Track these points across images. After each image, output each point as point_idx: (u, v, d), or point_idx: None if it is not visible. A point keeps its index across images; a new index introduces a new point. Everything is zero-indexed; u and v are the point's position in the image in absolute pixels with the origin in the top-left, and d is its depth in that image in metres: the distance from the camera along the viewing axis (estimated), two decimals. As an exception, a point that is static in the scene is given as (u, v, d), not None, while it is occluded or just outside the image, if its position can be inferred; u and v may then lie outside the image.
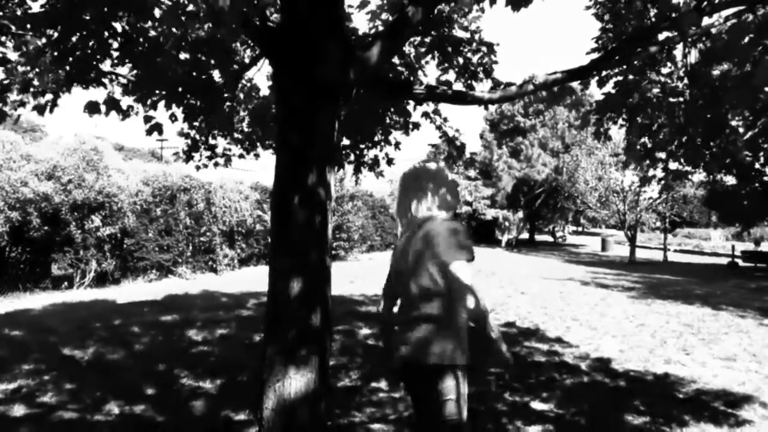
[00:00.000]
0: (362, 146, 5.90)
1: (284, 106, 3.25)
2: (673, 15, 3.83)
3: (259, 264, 17.33)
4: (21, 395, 4.85)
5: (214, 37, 3.93)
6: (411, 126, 5.95)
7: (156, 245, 13.78)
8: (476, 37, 5.27)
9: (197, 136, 5.55)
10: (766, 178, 21.58)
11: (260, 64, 5.04)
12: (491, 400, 4.91)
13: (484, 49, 5.27)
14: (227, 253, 16.07)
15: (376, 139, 5.89)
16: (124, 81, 4.32)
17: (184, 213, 14.59)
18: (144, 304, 9.59)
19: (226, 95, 4.90)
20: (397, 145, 6.08)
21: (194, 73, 4.21)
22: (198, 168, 5.91)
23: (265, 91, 5.83)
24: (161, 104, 4.50)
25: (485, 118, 39.42)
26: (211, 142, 5.69)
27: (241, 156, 6.12)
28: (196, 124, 5.24)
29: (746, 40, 3.08)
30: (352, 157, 5.96)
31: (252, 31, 3.33)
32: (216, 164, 5.93)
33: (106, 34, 3.34)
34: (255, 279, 13.64)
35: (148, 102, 4.39)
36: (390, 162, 6.14)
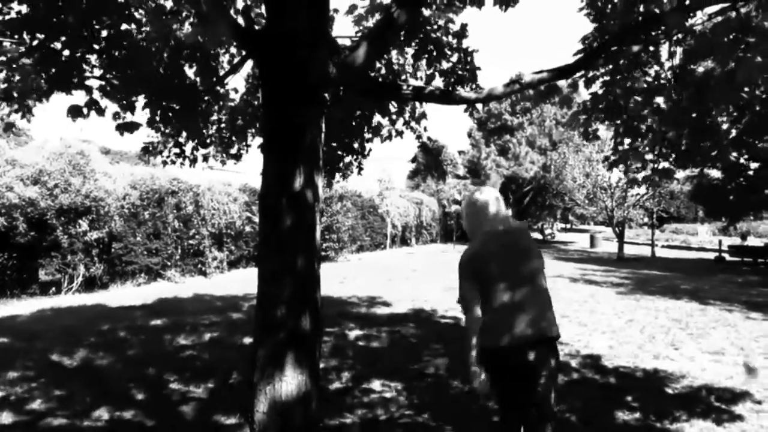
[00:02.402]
0: (339, 152, 5.93)
1: (271, 108, 3.23)
2: (657, 11, 3.86)
3: (249, 266, 17.25)
4: (9, 402, 4.80)
5: (195, 42, 3.91)
6: (394, 133, 6.02)
7: (144, 249, 13.67)
8: (464, 44, 5.33)
9: (168, 131, 5.52)
10: (750, 173, 21.79)
11: (241, 69, 5.02)
12: (483, 398, 4.92)
13: (468, 58, 5.34)
14: (216, 255, 15.98)
15: (352, 146, 5.94)
16: (103, 83, 4.27)
17: (172, 216, 14.49)
18: (133, 309, 9.52)
19: (203, 99, 4.87)
20: (367, 154, 6.17)
21: (173, 77, 4.19)
22: (165, 163, 5.88)
23: (240, 93, 5.85)
24: (139, 106, 4.48)
25: (473, 117, 39.48)
26: (180, 140, 5.67)
27: (206, 158, 6.12)
28: (169, 127, 5.20)
29: (729, 38, 3.10)
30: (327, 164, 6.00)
31: (238, 35, 3.31)
32: (182, 163, 5.91)
33: (88, 37, 3.31)
34: (244, 281, 13.58)
35: (126, 103, 4.36)
36: (361, 170, 6.23)
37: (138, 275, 13.60)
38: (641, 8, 4.14)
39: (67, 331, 7.57)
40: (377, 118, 5.80)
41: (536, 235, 47.40)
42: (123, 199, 13.34)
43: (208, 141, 5.79)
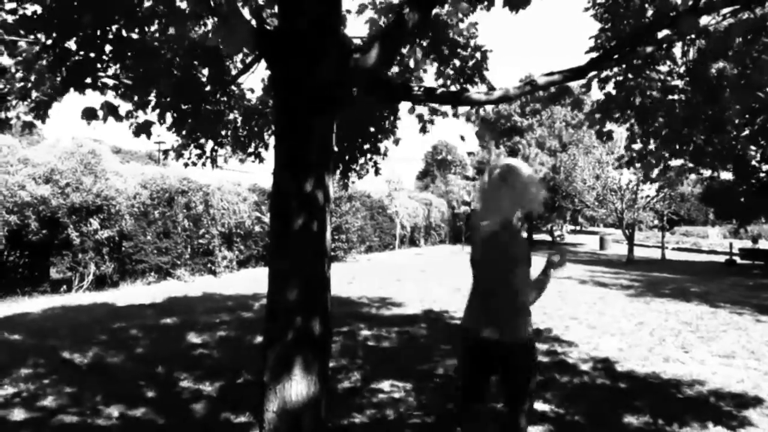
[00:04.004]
0: (354, 152, 5.92)
1: (282, 110, 3.24)
2: (672, 14, 3.84)
3: (258, 266, 17.30)
4: (21, 399, 4.85)
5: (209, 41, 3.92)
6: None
7: (154, 248, 13.75)
8: (472, 43, 5.31)
9: (185, 132, 5.56)
10: (762, 175, 21.62)
11: (254, 67, 5.04)
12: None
13: (478, 55, 5.31)
14: (226, 255, 16.04)
15: (365, 146, 5.93)
16: (116, 83, 4.29)
17: (182, 215, 14.56)
18: (143, 307, 9.58)
19: (215, 99, 4.90)
20: (385, 153, 6.15)
21: (185, 77, 4.21)
22: (186, 165, 5.92)
23: (257, 93, 5.87)
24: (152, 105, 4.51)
25: (483, 118, 39.42)
26: (201, 141, 5.70)
27: (226, 159, 6.17)
28: (185, 128, 5.23)
29: (743, 39, 3.08)
30: (341, 164, 6.00)
31: (251, 35, 3.32)
32: (204, 164, 5.94)
33: (101, 37, 3.33)
34: (254, 281, 13.62)
35: (139, 101, 4.39)
36: (377, 171, 6.20)
37: (148, 274, 13.67)
38: (654, 9, 4.12)
39: (77, 329, 7.63)
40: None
41: (545, 237, 47.31)
42: (133, 198, 13.42)
43: (223, 141, 5.81)
